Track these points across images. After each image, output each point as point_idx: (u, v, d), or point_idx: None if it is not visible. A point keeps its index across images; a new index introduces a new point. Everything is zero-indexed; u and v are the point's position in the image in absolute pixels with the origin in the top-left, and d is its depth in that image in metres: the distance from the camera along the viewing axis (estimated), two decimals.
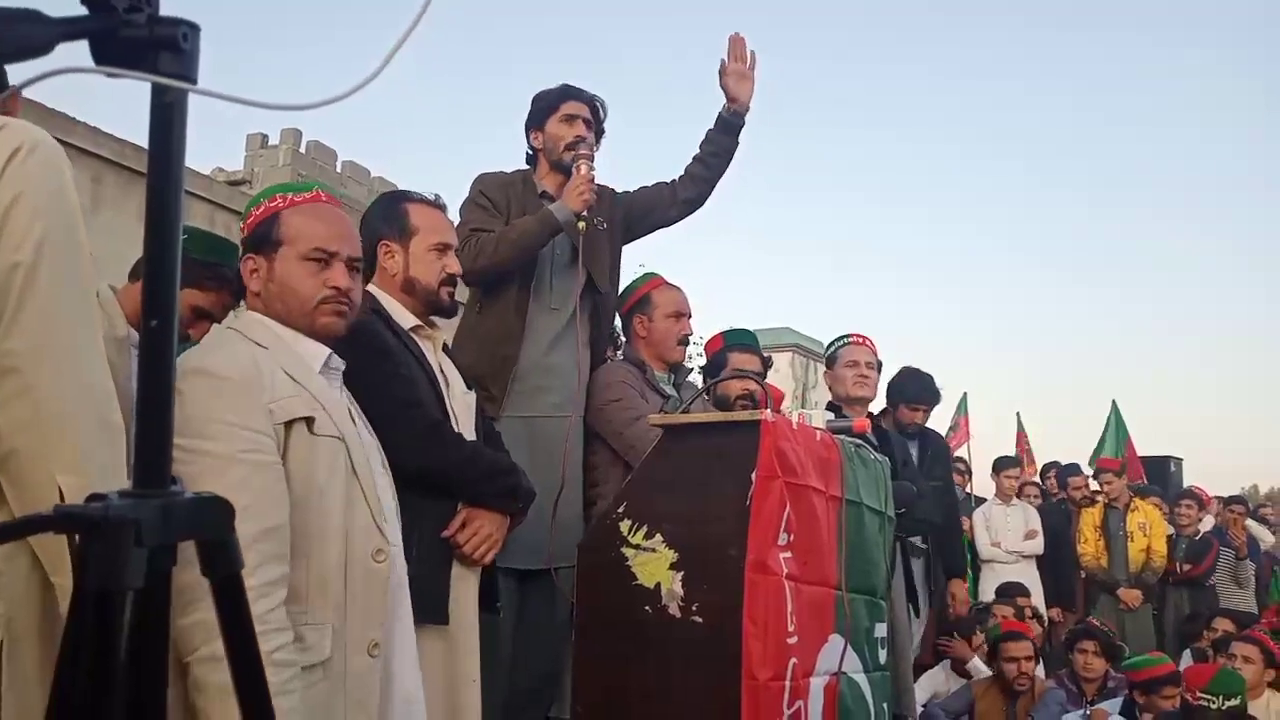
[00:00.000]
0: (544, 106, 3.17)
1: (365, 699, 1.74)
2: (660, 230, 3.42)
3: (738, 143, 3.28)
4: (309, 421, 1.71)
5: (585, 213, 2.98)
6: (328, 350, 1.85)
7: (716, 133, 3.27)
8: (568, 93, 3.16)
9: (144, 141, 0.79)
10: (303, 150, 21.94)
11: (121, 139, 11.60)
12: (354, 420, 1.88)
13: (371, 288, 2.38)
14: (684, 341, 3.45)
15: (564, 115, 3.13)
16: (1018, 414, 10.28)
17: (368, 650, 1.74)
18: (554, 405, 3.00)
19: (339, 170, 22.40)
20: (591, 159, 3.05)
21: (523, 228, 2.96)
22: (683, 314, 3.42)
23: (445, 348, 2.42)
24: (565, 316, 3.08)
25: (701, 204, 3.37)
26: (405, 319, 2.32)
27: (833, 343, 3.94)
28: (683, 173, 3.34)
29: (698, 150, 3.31)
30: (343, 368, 1.90)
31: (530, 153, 3.23)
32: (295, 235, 1.83)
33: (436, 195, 2.43)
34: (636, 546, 2.41)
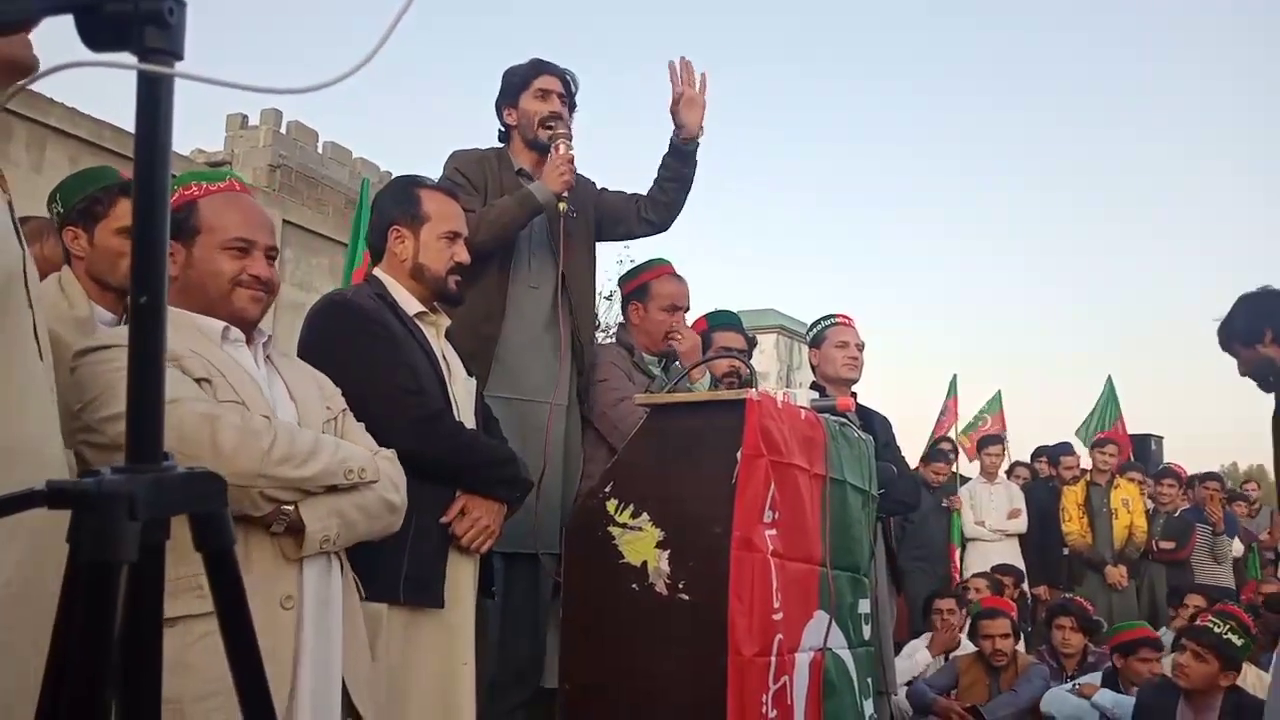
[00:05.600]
0: (516, 82, 3.12)
1: (275, 648, 1.63)
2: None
3: (694, 165, 3.20)
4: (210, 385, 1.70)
5: (565, 193, 2.94)
6: (222, 323, 1.81)
7: (671, 159, 3.19)
8: (540, 67, 3.11)
9: (121, 123, 0.78)
10: (283, 131, 21.64)
11: (99, 120, 11.47)
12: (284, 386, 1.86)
13: (378, 272, 2.39)
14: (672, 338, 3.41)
15: (537, 90, 3.08)
16: (998, 393, 10.12)
17: (280, 603, 1.68)
18: (535, 387, 2.97)
19: (320, 151, 22.13)
20: (570, 137, 3.01)
21: (502, 208, 2.90)
22: (679, 308, 3.36)
23: (448, 334, 2.42)
24: (547, 296, 3.05)
25: (665, 228, 3.32)
26: (411, 305, 2.33)
27: (817, 322, 3.95)
28: (647, 193, 3.28)
29: (657, 175, 3.24)
30: (243, 339, 1.84)
31: (503, 130, 3.18)
32: (214, 224, 1.83)
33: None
34: (623, 525, 2.42)
